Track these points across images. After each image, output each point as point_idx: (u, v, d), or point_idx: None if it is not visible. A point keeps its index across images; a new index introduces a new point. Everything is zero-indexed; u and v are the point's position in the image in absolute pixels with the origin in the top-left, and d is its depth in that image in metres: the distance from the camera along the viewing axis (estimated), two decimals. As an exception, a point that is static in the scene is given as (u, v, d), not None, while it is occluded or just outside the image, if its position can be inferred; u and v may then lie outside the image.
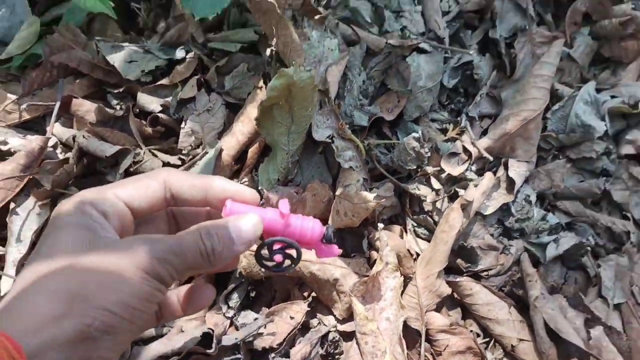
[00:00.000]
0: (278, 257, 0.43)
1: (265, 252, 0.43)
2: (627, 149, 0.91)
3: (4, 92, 0.81)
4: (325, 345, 0.74)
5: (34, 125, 0.84)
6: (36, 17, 0.97)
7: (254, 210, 0.42)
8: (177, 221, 0.47)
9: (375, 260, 0.77)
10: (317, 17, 0.81)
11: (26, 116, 0.82)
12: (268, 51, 0.80)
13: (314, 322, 0.76)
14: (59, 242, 0.35)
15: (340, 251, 0.47)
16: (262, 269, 0.44)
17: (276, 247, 0.42)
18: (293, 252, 0.43)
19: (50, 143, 0.80)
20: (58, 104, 0.78)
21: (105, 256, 0.35)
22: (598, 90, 0.93)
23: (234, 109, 0.82)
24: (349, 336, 0.75)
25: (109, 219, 0.38)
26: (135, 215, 0.41)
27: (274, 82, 0.67)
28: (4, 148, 0.78)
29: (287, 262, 0.44)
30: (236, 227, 0.39)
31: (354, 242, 0.81)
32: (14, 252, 0.69)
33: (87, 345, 0.32)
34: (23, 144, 0.78)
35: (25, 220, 0.71)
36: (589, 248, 0.82)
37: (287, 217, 0.42)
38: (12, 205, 0.72)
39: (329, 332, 0.75)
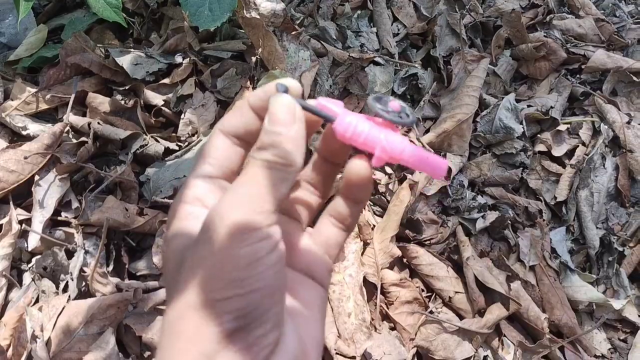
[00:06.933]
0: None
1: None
2: (540, 147, 1.08)
3: (24, 86, 0.94)
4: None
5: (47, 115, 0.97)
6: (44, 25, 1.10)
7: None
8: None
9: (340, 230, 0.93)
10: (293, 33, 0.99)
11: (42, 107, 0.94)
12: (254, 59, 0.96)
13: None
14: None
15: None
16: None
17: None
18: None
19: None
20: (73, 97, 0.92)
21: None
22: (517, 101, 1.11)
23: (223, 105, 0.96)
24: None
25: None
26: None
27: (263, 81, 0.84)
28: (24, 133, 0.91)
29: None
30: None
31: (322, 216, 0.98)
32: (39, 215, 0.82)
33: None
34: (41, 129, 0.91)
35: (47, 190, 0.84)
36: (509, 222, 1.01)
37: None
38: (36, 177, 0.84)
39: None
